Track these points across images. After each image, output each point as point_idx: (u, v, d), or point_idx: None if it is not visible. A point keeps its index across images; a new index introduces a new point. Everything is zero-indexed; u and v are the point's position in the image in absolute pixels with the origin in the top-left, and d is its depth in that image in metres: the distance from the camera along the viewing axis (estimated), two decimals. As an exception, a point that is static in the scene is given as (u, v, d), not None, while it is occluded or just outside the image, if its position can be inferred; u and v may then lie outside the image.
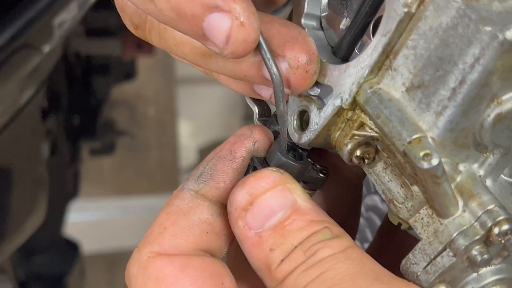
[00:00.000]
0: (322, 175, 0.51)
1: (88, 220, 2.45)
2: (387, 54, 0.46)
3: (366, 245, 0.67)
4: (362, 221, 0.76)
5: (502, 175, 0.48)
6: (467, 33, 0.43)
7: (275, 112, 0.51)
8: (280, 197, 0.46)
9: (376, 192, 0.74)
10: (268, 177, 0.47)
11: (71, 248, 1.90)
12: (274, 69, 0.46)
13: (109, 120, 2.09)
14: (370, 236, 0.76)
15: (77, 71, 1.92)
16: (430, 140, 0.45)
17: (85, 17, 1.62)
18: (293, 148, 0.51)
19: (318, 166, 0.51)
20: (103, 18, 1.87)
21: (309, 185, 0.51)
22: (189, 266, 0.47)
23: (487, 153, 0.47)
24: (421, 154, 0.43)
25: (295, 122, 0.51)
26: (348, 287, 0.44)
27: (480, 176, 0.47)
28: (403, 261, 0.46)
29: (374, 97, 0.46)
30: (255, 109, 0.54)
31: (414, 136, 0.44)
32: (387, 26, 0.45)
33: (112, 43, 1.88)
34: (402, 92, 0.46)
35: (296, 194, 0.47)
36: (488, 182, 0.48)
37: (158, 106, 2.59)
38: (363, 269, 0.45)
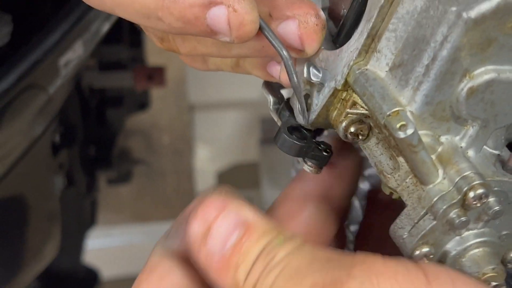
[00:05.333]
0: (325, 153, 0.57)
1: (108, 247, 2.48)
2: (372, 38, 0.50)
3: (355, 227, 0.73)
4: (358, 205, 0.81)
5: (486, 147, 0.52)
6: (436, 14, 0.47)
7: (287, 99, 0.58)
8: (231, 219, 0.51)
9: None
10: (213, 204, 0.51)
11: (91, 275, 1.92)
12: (281, 45, 0.52)
13: (124, 149, 2.11)
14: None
15: (92, 103, 1.94)
16: (409, 114, 0.49)
17: (97, 52, 1.66)
18: (298, 130, 0.57)
19: (322, 146, 0.57)
20: (114, 52, 1.89)
21: (315, 162, 0.57)
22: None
23: (467, 126, 0.50)
24: (398, 125, 0.47)
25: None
26: (301, 277, 0.48)
27: (461, 147, 0.50)
28: (392, 226, 0.51)
29: (361, 77, 0.51)
30: (270, 98, 0.61)
31: (393, 110, 0.48)
32: (370, 12, 0.50)
33: (124, 76, 1.90)
34: (386, 71, 0.51)
35: (244, 211, 0.51)
36: (470, 153, 0.51)
37: (173, 133, 2.62)
38: (314, 259, 0.49)
